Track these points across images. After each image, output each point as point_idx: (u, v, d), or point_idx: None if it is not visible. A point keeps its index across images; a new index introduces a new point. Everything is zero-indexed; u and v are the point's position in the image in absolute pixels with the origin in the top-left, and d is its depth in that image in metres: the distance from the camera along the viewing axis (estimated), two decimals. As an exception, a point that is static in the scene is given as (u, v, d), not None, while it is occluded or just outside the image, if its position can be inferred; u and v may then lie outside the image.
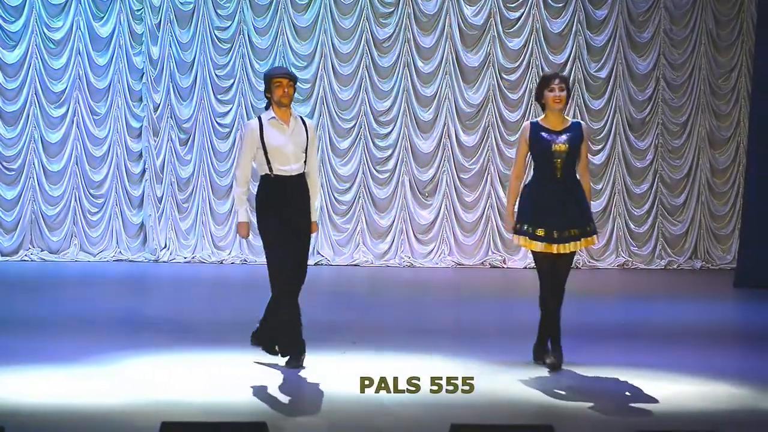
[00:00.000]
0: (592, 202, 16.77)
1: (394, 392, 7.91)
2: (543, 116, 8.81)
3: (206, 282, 15.00)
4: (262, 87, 16.65)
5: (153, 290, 14.54)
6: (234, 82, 16.68)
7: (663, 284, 15.62)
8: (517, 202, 8.90)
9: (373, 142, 16.90)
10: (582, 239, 8.76)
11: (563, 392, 8.02)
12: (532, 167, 8.86)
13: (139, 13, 16.49)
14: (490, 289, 14.74)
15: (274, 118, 8.64)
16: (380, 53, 16.89)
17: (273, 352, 8.81)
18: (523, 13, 16.96)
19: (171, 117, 16.50)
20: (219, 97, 16.64)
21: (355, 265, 16.68)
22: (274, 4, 16.75)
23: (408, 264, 16.78)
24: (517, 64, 16.97)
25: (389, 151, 16.92)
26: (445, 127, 16.95)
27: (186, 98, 16.57)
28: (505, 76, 16.95)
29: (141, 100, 16.54)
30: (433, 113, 16.91)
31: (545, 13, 16.98)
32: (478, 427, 5.83)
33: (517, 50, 16.99)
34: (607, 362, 9.18)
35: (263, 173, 8.67)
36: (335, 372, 8.60)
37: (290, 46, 16.77)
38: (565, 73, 16.98)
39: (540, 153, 8.71)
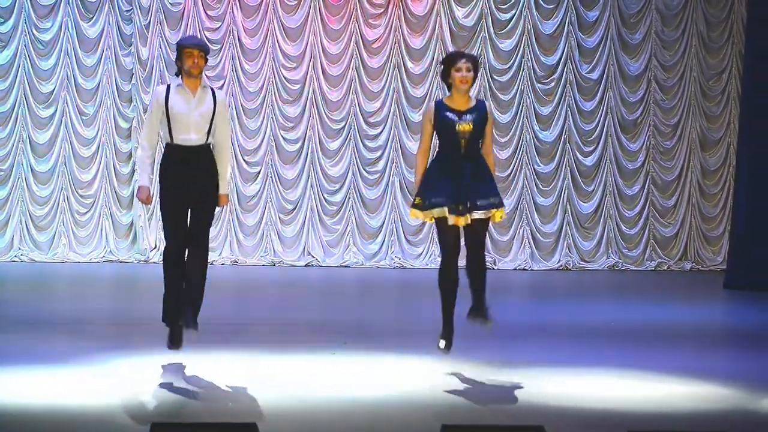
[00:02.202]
0: (584, 203, 17.06)
1: (385, 393, 7.89)
2: (448, 96, 8.80)
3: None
4: (252, 88, 16.85)
5: (143, 291, 14.48)
6: (224, 83, 16.64)
7: (653, 286, 15.62)
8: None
9: (363, 143, 16.88)
10: (489, 210, 8.67)
11: (554, 392, 8.00)
12: (437, 145, 8.81)
13: (128, 13, 16.46)
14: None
15: (180, 85, 8.65)
16: (370, 54, 16.88)
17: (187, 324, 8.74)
18: (514, 15, 16.96)
19: (161, 118, 16.43)
20: (209, 97, 16.57)
21: (346, 266, 16.66)
22: (263, 5, 16.72)
23: (398, 265, 16.76)
24: (509, 65, 16.97)
25: (379, 152, 16.91)
26: (436, 128, 16.93)
27: (176, 99, 16.52)
28: (496, 77, 16.95)
29: (130, 100, 16.50)
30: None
31: (537, 15, 16.99)
32: (469, 427, 5.82)
33: (508, 51, 16.99)
34: (598, 363, 9.17)
35: (166, 141, 8.69)
36: (326, 372, 8.58)
37: (279, 47, 16.74)
38: (557, 74, 17.00)
39: (444, 132, 8.68)
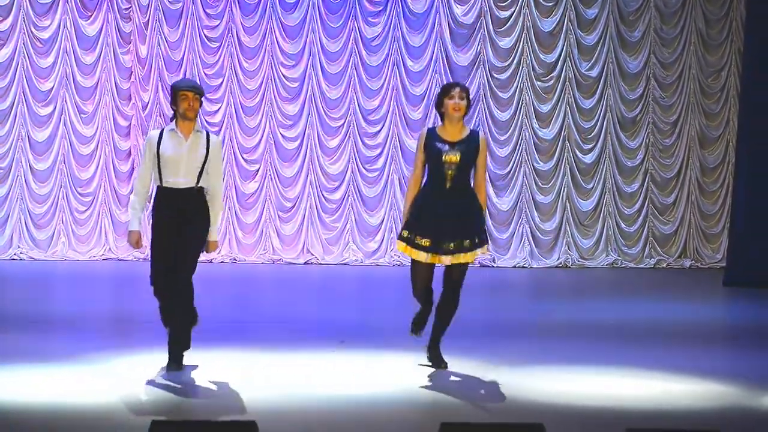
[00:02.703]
0: (583, 201, 17.06)
1: (383, 391, 7.89)
2: (441, 125, 8.64)
3: (195, 281, 14.92)
4: (250, 86, 16.84)
5: (142, 289, 14.46)
6: (222, 81, 16.64)
7: (653, 283, 15.61)
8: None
9: (362, 141, 16.87)
10: (468, 252, 8.52)
11: (553, 390, 8.00)
12: (426, 174, 8.72)
13: (126, 12, 16.45)
14: (479, 288, 14.70)
15: (174, 129, 8.52)
16: (369, 52, 16.87)
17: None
18: (513, 12, 16.95)
19: (160, 116, 16.44)
20: (208, 96, 16.54)
21: (345, 264, 16.65)
22: (262, 3, 16.71)
23: (398, 263, 16.75)
24: (508, 63, 16.95)
25: (378, 150, 16.90)
26: (435, 126, 16.93)
27: (175, 97, 16.50)
28: (495, 75, 16.93)
29: (129, 98, 16.50)
30: (423, 112, 16.89)
31: (536, 12, 16.97)
32: (468, 425, 5.81)
33: (507, 49, 16.97)
34: (597, 361, 9.17)
35: (157, 183, 8.58)
36: (325, 370, 8.58)
37: (278, 45, 16.74)
38: (556, 72, 17.00)
39: (432, 162, 8.53)
